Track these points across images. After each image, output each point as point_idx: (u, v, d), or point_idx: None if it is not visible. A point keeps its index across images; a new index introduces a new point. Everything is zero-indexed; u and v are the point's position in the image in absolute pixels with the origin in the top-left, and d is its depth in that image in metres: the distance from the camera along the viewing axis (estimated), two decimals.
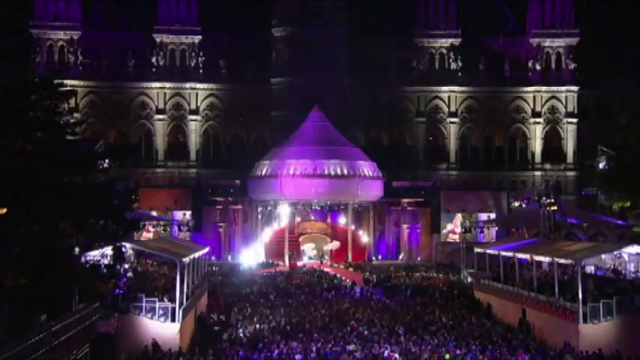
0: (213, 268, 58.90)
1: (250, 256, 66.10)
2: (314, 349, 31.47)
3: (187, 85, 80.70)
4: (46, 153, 27.52)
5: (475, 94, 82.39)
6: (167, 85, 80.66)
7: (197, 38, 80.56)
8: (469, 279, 51.31)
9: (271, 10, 79.02)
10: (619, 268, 39.54)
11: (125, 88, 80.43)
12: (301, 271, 58.42)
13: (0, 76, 27.26)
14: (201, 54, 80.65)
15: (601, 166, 55.18)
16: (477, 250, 49.94)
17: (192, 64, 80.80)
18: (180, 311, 33.51)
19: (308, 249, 67.68)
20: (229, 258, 68.00)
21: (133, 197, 33.43)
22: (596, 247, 41.06)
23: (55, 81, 29.52)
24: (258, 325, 37.12)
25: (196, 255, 40.98)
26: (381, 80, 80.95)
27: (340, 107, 77.43)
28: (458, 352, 31.04)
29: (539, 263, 39.55)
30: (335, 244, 66.87)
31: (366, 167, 66.50)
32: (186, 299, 35.41)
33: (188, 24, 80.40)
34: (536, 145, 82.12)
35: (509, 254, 42.69)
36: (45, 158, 27.05)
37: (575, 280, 33.78)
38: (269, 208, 68.33)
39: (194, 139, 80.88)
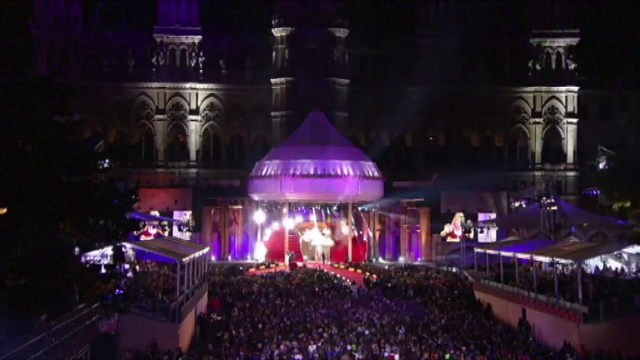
0: (214, 269, 58.93)
1: (252, 256, 66.33)
2: (314, 349, 31.47)
3: (187, 85, 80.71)
4: (46, 153, 27.49)
5: (475, 94, 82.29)
6: (167, 85, 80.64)
7: (197, 38, 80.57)
8: (469, 279, 51.32)
9: (271, 10, 79.01)
10: (618, 268, 39.55)
11: (125, 88, 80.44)
12: (301, 271, 58.41)
13: (0, 76, 27.26)
14: (201, 54, 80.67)
15: (601, 166, 55.16)
16: (477, 250, 49.96)
17: (192, 64, 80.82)
18: (181, 311, 33.51)
19: (309, 248, 67.71)
20: (229, 258, 68.04)
21: (133, 197, 33.40)
22: (596, 247, 41.08)
23: (55, 81, 29.48)
24: (258, 325, 37.12)
25: (196, 255, 40.99)
26: (381, 80, 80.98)
27: (340, 107, 77.46)
28: (458, 352, 31.02)
29: (539, 263, 39.56)
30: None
31: (366, 167, 66.48)
32: (186, 299, 35.41)
33: (188, 24, 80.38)
34: (536, 145, 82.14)
35: (509, 254, 42.71)
36: (45, 158, 27.03)
37: (575, 280, 33.79)
38: (269, 208, 68.30)
39: (194, 139, 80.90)
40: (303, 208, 67.90)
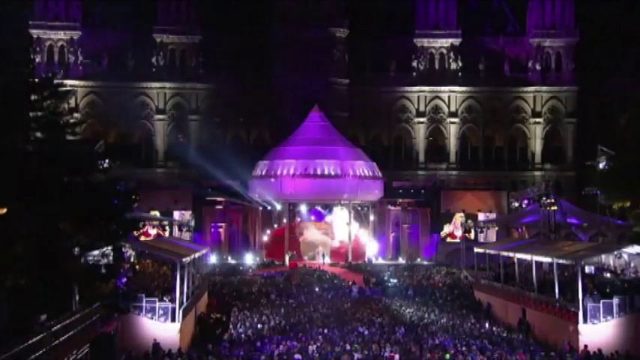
0: (215, 269, 58.97)
1: (251, 256, 66.35)
2: (314, 349, 31.48)
3: (187, 85, 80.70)
4: (46, 153, 27.51)
5: (475, 94, 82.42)
6: (167, 85, 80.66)
7: (197, 38, 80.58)
8: (469, 279, 51.32)
9: (271, 10, 79.02)
10: (618, 268, 39.47)
11: (125, 88, 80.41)
12: (301, 271, 58.42)
13: (0, 76, 27.26)
14: (201, 54, 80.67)
15: (601, 166, 55.07)
16: (477, 250, 49.94)
17: (192, 64, 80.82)
18: (180, 311, 33.52)
19: (309, 248, 67.70)
20: (229, 258, 68.00)
21: (133, 197, 33.41)
22: (596, 247, 41.06)
23: (55, 81, 29.51)
24: (258, 325, 37.14)
25: (196, 255, 40.98)
26: (381, 80, 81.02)
27: (340, 107, 77.45)
28: (458, 352, 31.02)
29: (540, 263, 39.54)
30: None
31: (366, 167, 66.44)
32: (186, 299, 35.41)
33: (188, 24, 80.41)
34: (536, 145, 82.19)
35: (509, 254, 42.69)
36: (45, 158, 27.04)
37: (575, 280, 33.79)
38: (269, 208, 68.30)
39: (194, 139, 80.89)
40: (304, 208, 67.86)
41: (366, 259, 65.93)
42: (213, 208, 70.02)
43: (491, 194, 69.33)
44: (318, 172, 64.33)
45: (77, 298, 27.69)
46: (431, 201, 69.22)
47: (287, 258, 64.07)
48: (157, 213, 63.25)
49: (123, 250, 33.03)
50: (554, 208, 48.59)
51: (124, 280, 33.81)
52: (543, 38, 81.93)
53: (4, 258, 24.55)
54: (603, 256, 39.73)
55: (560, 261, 36.07)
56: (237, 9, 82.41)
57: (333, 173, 64.53)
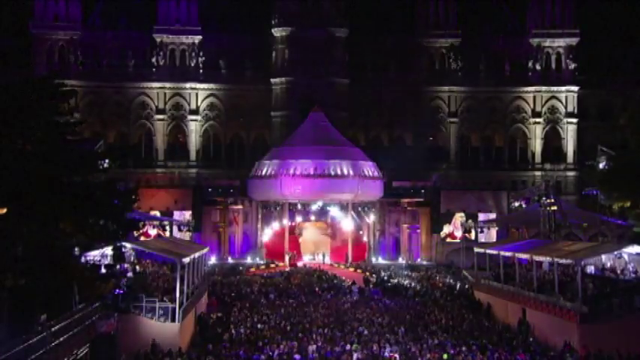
0: (214, 269, 58.98)
1: (251, 256, 66.40)
2: (314, 349, 31.49)
3: (187, 85, 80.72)
4: (46, 153, 27.52)
5: (475, 94, 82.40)
6: (167, 85, 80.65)
7: (197, 38, 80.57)
8: (469, 279, 51.34)
9: (271, 10, 79.02)
10: (618, 268, 39.50)
11: (125, 88, 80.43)
12: (301, 271, 58.43)
13: (0, 76, 27.31)
14: (201, 54, 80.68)
15: (601, 166, 55.24)
16: (477, 250, 49.94)
17: (192, 64, 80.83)
18: (180, 311, 33.50)
19: (309, 248, 67.75)
20: (229, 258, 68.02)
21: (133, 197, 33.42)
22: (596, 247, 41.06)
23: (55, 81, 29.52)
24: (258, 325, 37.15)
25: (196, 255, 40.98)
26: (381, 80, 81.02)
27: (340, 107, 77.44)
28: (458, 352, 31.02)
29: (540, 263, 39.55)
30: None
31: (366, 167, 66.40)
32: (186, 299, 35.41)
33: (188, 24, 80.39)
34: (536, 145, 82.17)
35: (509, 254, 42.70)
36: (45, 158, 27.05)
37: (575, 280, 33.79)
38: (269, 208, 68.29)
39: (194, 139, 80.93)
40: (303, 208, 67.87)
41: (366, 259, 65.96)
42: (213, 208, 70.04)
43: (491, 194, 69.31)
44: (318, 172, 64.28)
45: (77, 298, 27.70)
46: (431, 201, 69.20)
47: (287, 258, 64.10)
48: (157, 213, 63.30)
49: (123, 250, 33.04)
50: (554, 208, 48.63)
51: (124, 280, 33.84)
52: (543, 38, 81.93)
53: (4, 258, 24.58)
54: (603, 256, 39.75)
55: (560, 261, 36.08)
56: (237, 9, 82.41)
57: (333, 173, 64.50)
